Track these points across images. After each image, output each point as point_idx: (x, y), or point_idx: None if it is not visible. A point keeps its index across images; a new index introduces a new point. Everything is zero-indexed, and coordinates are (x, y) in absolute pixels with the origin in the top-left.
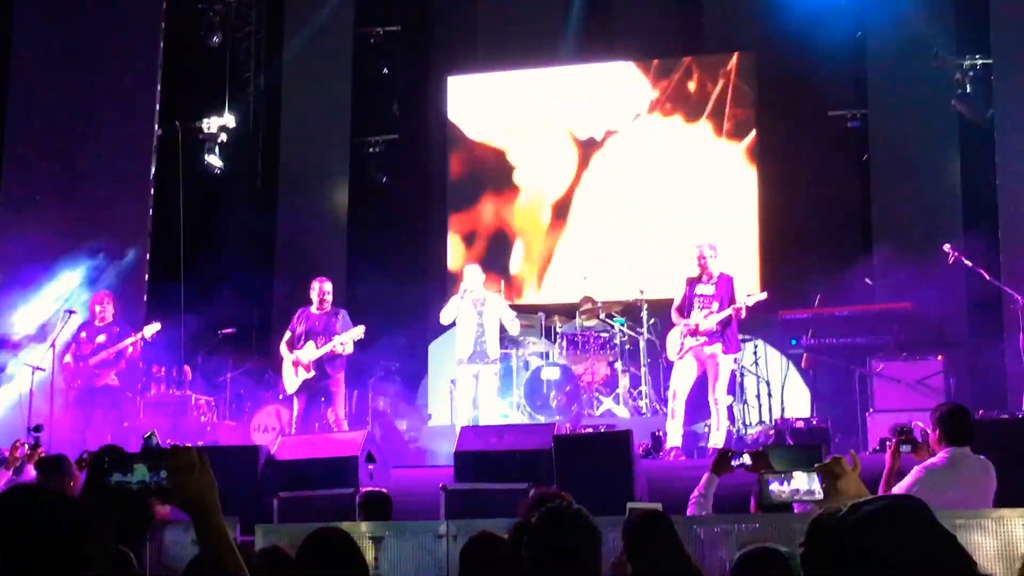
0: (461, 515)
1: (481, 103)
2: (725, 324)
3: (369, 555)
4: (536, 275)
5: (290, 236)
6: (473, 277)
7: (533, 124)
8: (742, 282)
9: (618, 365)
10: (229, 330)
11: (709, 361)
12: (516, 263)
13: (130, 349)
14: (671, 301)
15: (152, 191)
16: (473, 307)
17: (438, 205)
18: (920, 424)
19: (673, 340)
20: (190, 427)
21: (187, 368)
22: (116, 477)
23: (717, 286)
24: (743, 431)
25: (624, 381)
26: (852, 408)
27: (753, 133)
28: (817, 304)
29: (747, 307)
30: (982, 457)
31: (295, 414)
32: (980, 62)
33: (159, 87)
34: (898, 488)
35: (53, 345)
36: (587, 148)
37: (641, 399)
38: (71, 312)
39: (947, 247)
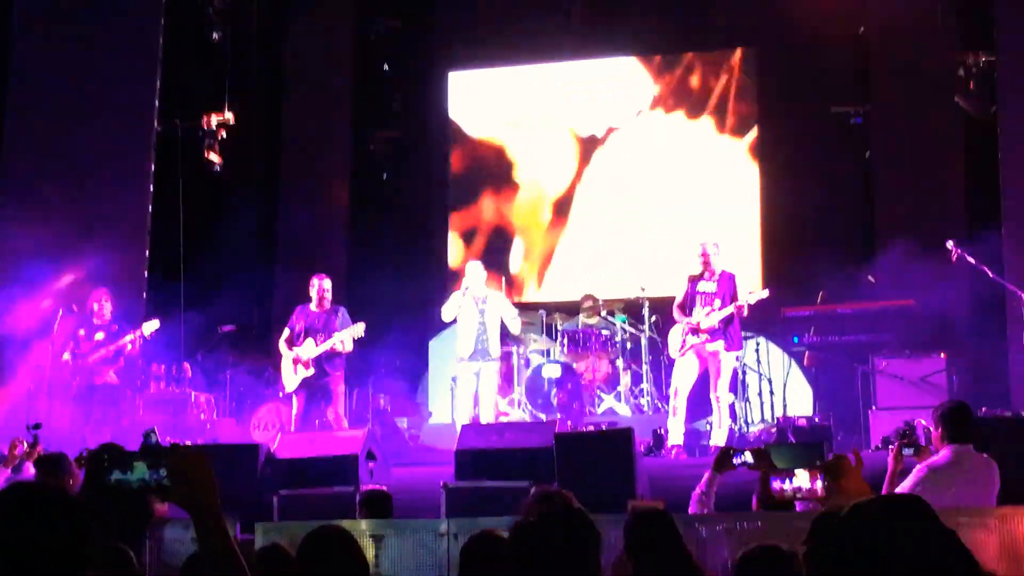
0: (462, 513)
1: (482, 99)
2: (727, 322)
3: (369, 553)
4: (537, 273)
5: (291, 233)
6: (475, 274)
7: (534, 120)
8: (744, 279)
9: (619, 363)
10: (229, 327)
11: (711, 359)
12: (516, 260)
13: (129, 347)
14: (673, 298)
15: (152, 188)
16: (475, 304)
17: (440, 202)
18: (923, 422)
19: (675, 338)
20: (190, 425)
21: (187, 365)
22: (116, 475)
23: (719, 283)
24: (745, 429)
25: (625, 379)
26: (854, 406)
27: (756, 129)
28: (819, 301)
29: (749, 305)
30: (985, 455)
31: (294, 412)
32: (984, 58)
33: (159, 83)
34: (901, 488)
35: (52, 342)
36: (589, 144)
37: (642, 397)
38: (70, 309)
39: (950, 244)
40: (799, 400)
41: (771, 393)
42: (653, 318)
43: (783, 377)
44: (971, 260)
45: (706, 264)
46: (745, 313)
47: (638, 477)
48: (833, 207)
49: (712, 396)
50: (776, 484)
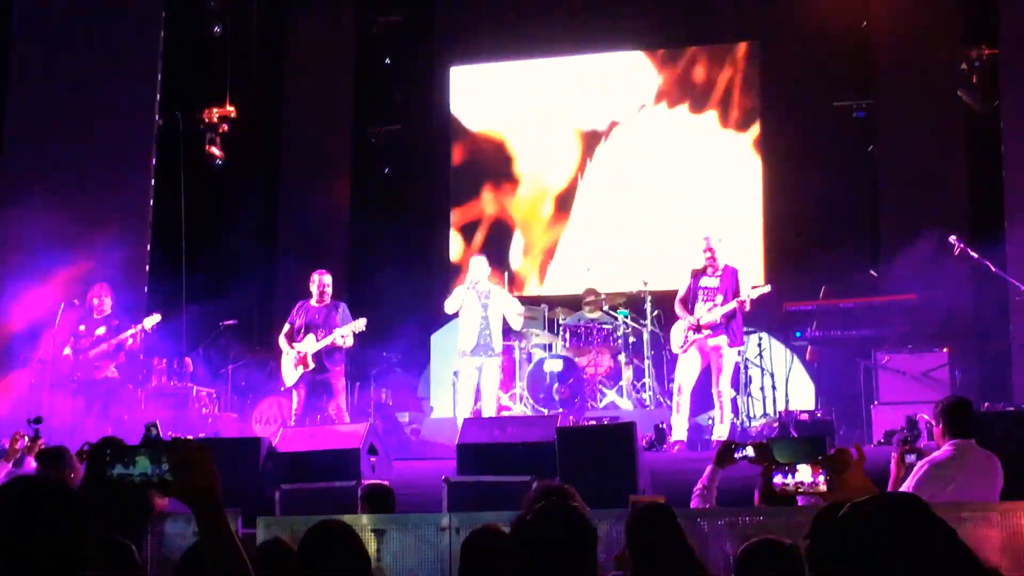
0: (463, 508)
1: (484, 93)
2: (730, 317)
3: (371, 548)
4: (538, 267)
5: (292, 226)
6: (479, 268)
7: (536, 115)
8: (746, 273)
9: (621, 357)
10: (231, 321)
11: (713, 354)
12: (518, 255)
13: (130, 341)
14: (675, 293)
15: (153, 182)
16: (478, 299)
17: (441, 196)
18: (925, 417)
19: (677, 333)
20: (191, 419)
21: (188, 360)
22: (118, 469)
23: (722, 279)
24: (747, 424)
25: (627, 373)
26: (857, 401)
27: (759, 123)
28: (822, 296)
29: (751, 300)
30: (987, 451)
31: (295, 406)
32: (986, 52)
33: (160, 77)
34: (904, 484)
35: (53, 337)
36: (591, 139)
37: (645, 391)
38: (71, 304)
39: (953, 238)
40: (801, 395)
41: (773, 388)
42: (655, 312)
43: (785, 372)
44: (974, 255)
45: (711, 257)
46: (747, 309)
47: (640, 472)
48: (836, 201)
49: (714, 391)
50: (778, 479)
